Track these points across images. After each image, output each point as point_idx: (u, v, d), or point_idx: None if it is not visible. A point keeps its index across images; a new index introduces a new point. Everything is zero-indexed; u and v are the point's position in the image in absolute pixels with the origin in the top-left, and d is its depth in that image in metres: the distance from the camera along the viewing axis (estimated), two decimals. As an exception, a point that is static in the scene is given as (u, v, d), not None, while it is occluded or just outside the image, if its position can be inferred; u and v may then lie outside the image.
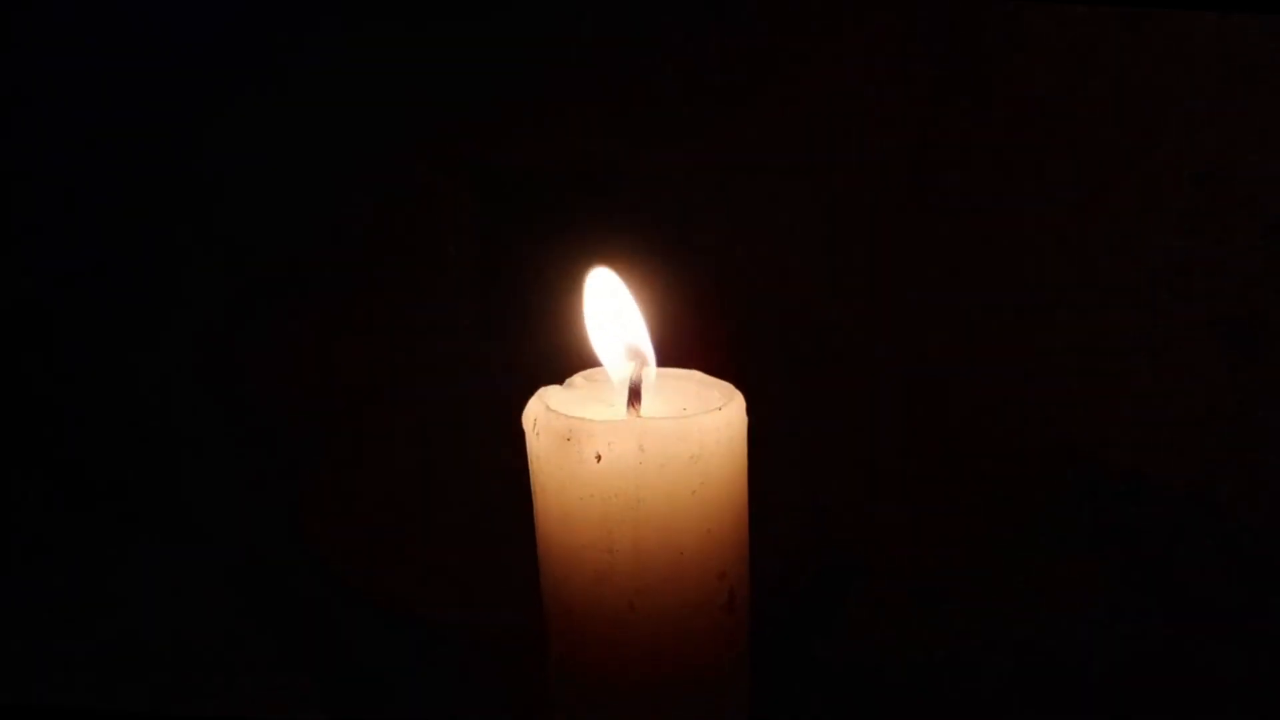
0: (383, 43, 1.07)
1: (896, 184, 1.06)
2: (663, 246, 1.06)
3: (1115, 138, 1.05)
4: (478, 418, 1.09)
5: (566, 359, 0.90)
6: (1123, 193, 1.06)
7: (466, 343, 1.10)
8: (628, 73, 1.07)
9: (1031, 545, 1.10)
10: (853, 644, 1.11)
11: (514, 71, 1.07)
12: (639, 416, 0.82)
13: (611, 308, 0.85)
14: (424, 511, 1.12)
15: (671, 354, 0.87)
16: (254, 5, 1.06)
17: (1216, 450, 1.08)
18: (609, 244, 0.96)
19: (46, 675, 1.14)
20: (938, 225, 1.07)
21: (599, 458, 0.78)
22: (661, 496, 0.78)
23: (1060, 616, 1.09)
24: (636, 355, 0.84)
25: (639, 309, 0.86)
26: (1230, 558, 1.09)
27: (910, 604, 1.11)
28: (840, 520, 1.11)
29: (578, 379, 0.85)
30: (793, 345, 1.09)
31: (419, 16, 1.06)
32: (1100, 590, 1.09)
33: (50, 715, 1.13)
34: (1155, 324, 1.07)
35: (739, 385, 0.83)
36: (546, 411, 0.80)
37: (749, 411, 0.82)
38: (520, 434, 0.82)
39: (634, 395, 0.82)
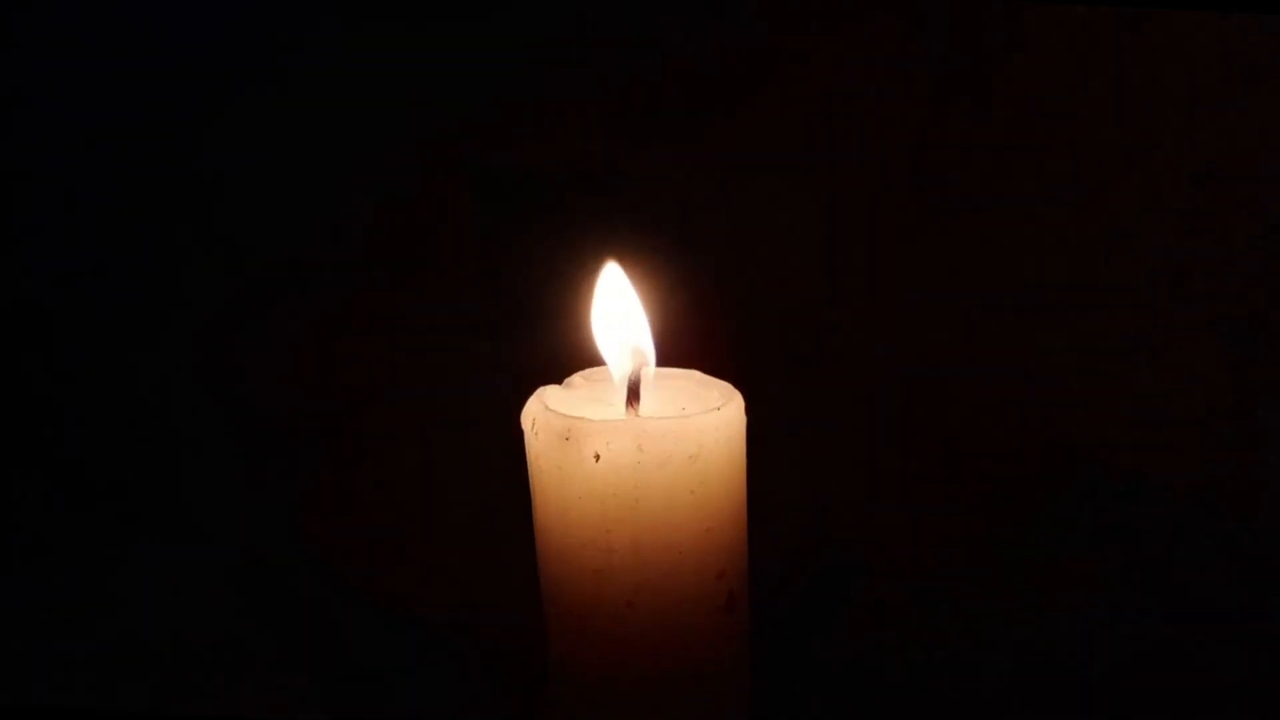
0: (383, 43, 1.07)
1: (896, 184, 1.06)
2: (663, 246, 1.06)
3: (1115, 138, 1.05)
4: (478, 418, 1.09)
5: (567, 359, 0.90)
6: (1123, 193, 1.06)
7: (466, 343, 1.10)
8: (628, 73, 1.07)
9: (1031, 545, 1.10)
10: (853, 644, 1.11)
11: (514, 71, 1.07)
12: (638, 416, 0.82)
13: (619, 307, 0.85)
14: (424, 511, 1.12)
15: (671, 354, 0.87)
16: (254, 5, 1.06)
17: (1216, 450, 1.08)
18: (609, 244, 0.96)
19: (46, 675, 1.14)
20: (938, 225, 1.07)
21: (597, 457, 0.77)
22: (660, 496, 0.78)
23: (1060, 616, 1.09)
24: (637, 354, 0.84)
25: (644, 308, 0.86)
26: (1230, 558, 1.09)
27: (910, 604, 1.11)
28: (840, 520, 1.11)
29: (577, 378, 0.85)
30: (793, 345, 1.09)
31: (419, 16, 1.06)
32: (1100, 590, 1.09)
33: (50, 715, 1.13)
34: (1155, 324, 1.07)
35: (739, 385, 0.83)
36: (545, 411, 0.80)
37: (748, 411, 0.82)
38: (519, 433, 0.82)
39: (633, 395, 0.82)
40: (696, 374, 0.85)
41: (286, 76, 1.07)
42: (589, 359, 0.87)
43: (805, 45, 1.06)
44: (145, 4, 1.07)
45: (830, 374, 1.09)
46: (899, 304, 1.08)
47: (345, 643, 1.13)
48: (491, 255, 1.09)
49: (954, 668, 1.09)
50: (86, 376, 1.12)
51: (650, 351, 0.85)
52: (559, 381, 0.85)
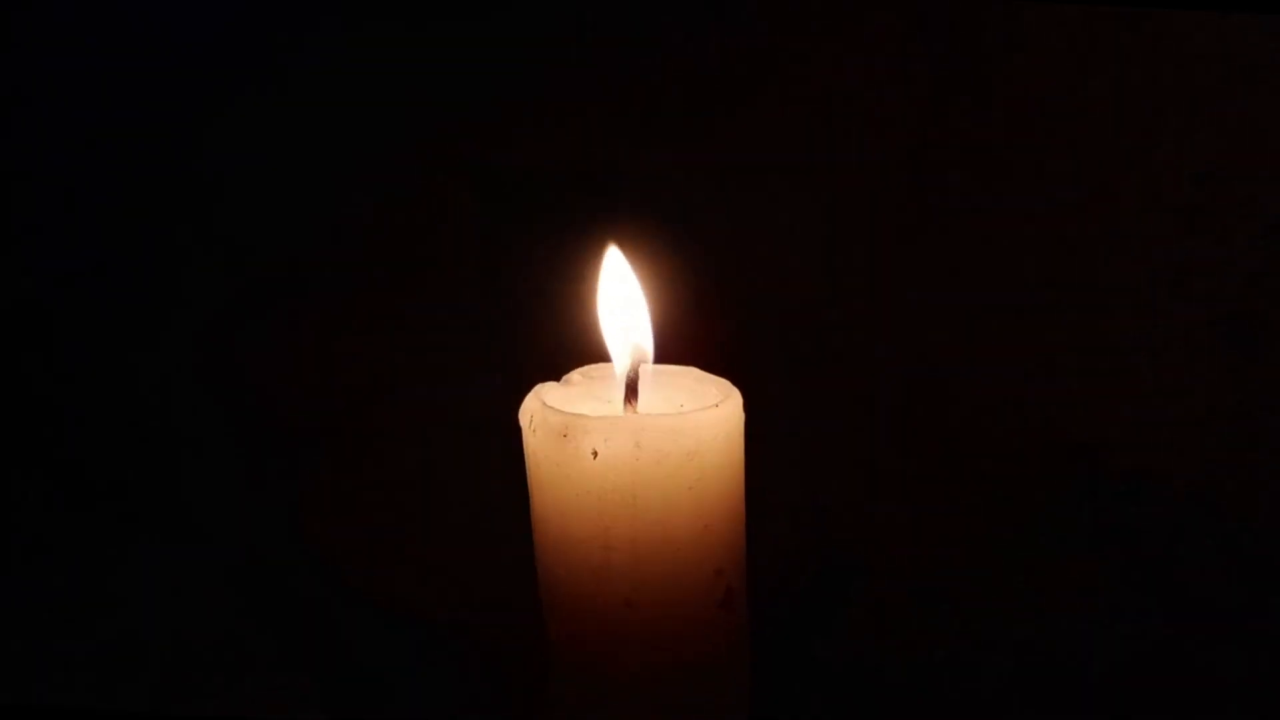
0: (383, 43, 1.07)
1: (896, 184, 1.07)
2: (663, 247, 1.06)
3: (1115, 138, 1.05)
4: (478, 418, 1.09)
5: (566, 358, 0.90)
6: (1123, 193, 1.06)
7: (466, 343, 1.10)
8: (628, 73, 1.07)
9: (1031, 545, 1.09)
10: (853, 644, 1.11)
11: (514, 71, 1.07)
12: (635, 413, 0.82)
13: (621, 293, 0.85)
14: (424, 511, 1.12)
15: (671, 355, 0.87)
16: (254, 5, 1.07)
17: (1216, 450, 1.08)
18: (609, 244, 0.96)
19: (46, 675, 1.14)
20: (938, 225, 1.07)
21: (595, 454, 0.77)
22: (658, 493, 0.78)
23: (1060, 616, 1.09)
24: (635, 351, 0.84)
25: (644, 299, 0.86)
26: (1230, 558, 1.09)
27: (910, 604, 1.11)
28: (840, 520, 1.11)
29: (575, 375, 0.85)
30: (793, 345, 1.09)
31: (419, 16, 1.07)
32: (1100, 590, 1.09)
33: (50, 715, 1.13)
34: (1155, 324, 1.07)
35: (739, 385, 0.83)
36: (543, 408, 0.80)
37: (746, 408, 0.82)
38: (518, 432, 0.82)
39: (631, 391, 0.82)
40: (695, 371, 0.85)
41: (286, 76, 1.07)
42: (588, 357, 0.87)
43: (805, 45, 1.06)
44: (145, 4, 1.07)
45: (830, 374, 1.09)
46: (899, 304, 1.08)
47: (345, 643, 1.13)
48: (491, 255, 1.09)
49: (954, 668, 1.09)
50: (86, 376, 1.12)
51: (649, 348, 0.85)
52: (558, 380, 0.85)
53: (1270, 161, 1.05)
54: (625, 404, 0.82)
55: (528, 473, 0.82)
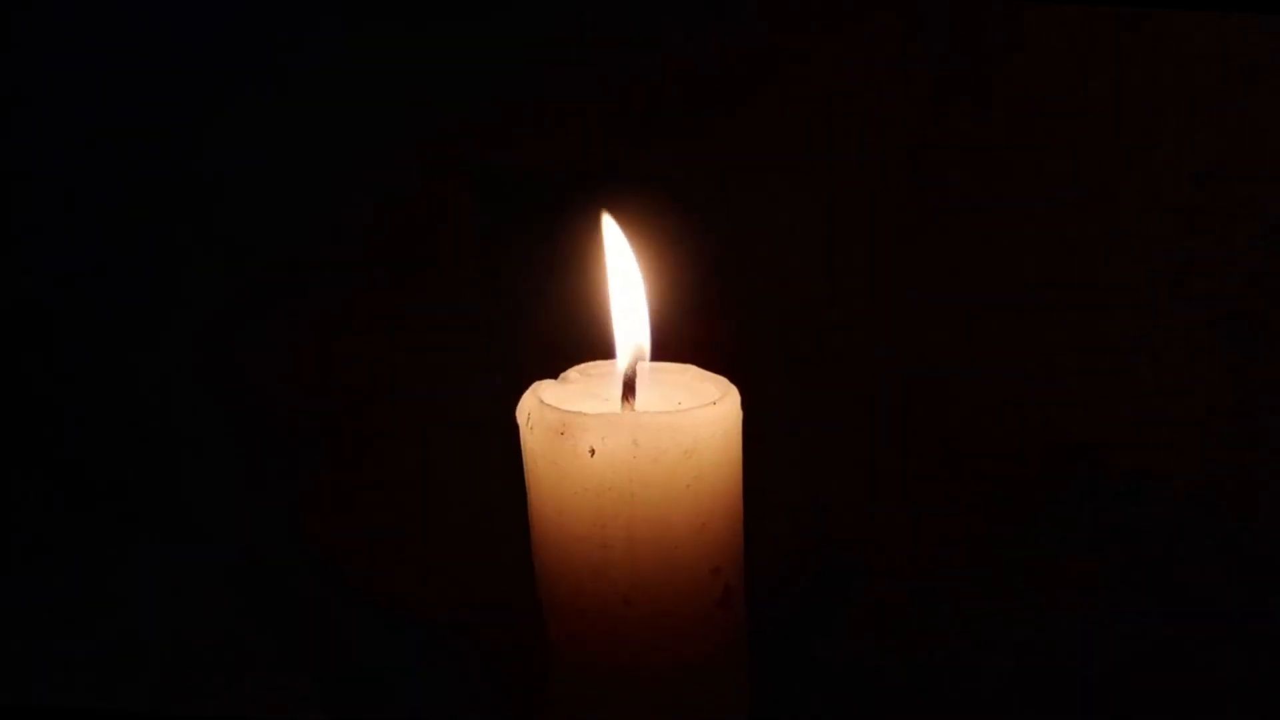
0: (383, 43, 1.07)
1: (896, 184, 1.06)
2: (663, 247, 1.05)
3: (1115, 138, 1.05)
4: (478, 418, 1.09)
5: (566, 358, 0.90)
6: (1123, 193, 1.06)
7: (466, 343, 1.10)
8: (628, 73, 1.07)
9: (1031, 545, 1.09)
10: (853, 644, 1.11)
11: (514, 71, 1.07)
12: (633, 410, 0.82)
13: (621, 270, 0.85)
14: (424, 511, 1.12)
15: (670, 352, 0.87)
16: (254, 5, 1.07)
17: (1216, 450, 1.08)
18: (602, 250, 0.96)
19: (46, 675, 1.14)
20: (938, 225, 1.07)
21: (592, 452, 0.77)
22: (655, 491, 0.77)
23: (1060, 616, 1.09)
24: (634, 349, 0.84)
25: (642, 280, 0.86)
26: (1230, 558, 1.09)
27: (910, 604, 1.11)
28: (840, 520, 1.11)
29: (572, 373, 0.85)
30: (793, 345, 1.09)
31: (419, 16, 1.07)
32: (1100, 590, 1.09)
33: (50, 715, 1.13)
34: (1155, 324, 1.07)
35: (738, 384, 0.83)
36: (540, 406, 0.80)
37: (745, 407, 0.82)
38: (517, 431, 0.82)
39: (628, 389, 0.82)
40: (693, 368, 0.85)
41: (286, 76, 1.07)
42: (587, 355, 0.87)
43: (805, 45, 1.06)
44: (145, 4, 1.07)
45: (830, 374, 1.09)
46: (899, 304, 1.08)
47: (345, 643, 1.13)
48: (491, 255, 1.09)
49: (954, 668, 1.09)
50: (86, 376, 1.12)
51: (646, 345, 0.84)
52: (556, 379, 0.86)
53: (1270, 161, 1.05)
54: (623, 402, 0.82)
55: (525, 471, 0.82)
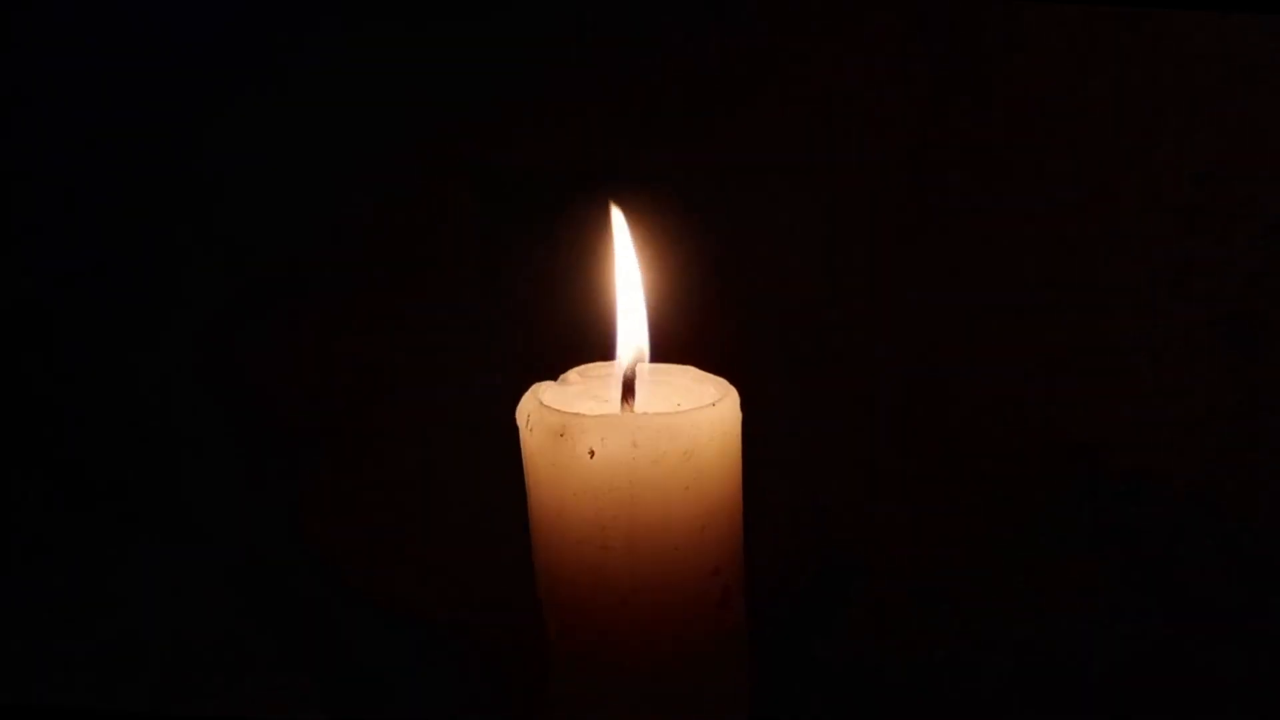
0: (383, 43, 1.07)
1: (896, 184, 1.06)
2: (662, 246, 1.05)
3: (1115, 138, 1.05)
4: (478, 418, 1.09)
5: (566, 358, 0.90)
6: (1123, 193, 1.06)
7: (466, 342, 1.10)
8: (628, 73, 1.07)
9: (1031, 545, 1.09)
10: (853, 644, 1.10)
11: (514, 71, 1.07)
12: (632, 412, 0.82)
13: (625, 268, 0.85)
14: (424, 511, 1.12)
15: (670, 353, 0.87)
16: (254, 5, 1.07)
17: (1216, 450, 1.08)
18: (608, 244, 0.96)
19: (46, 675, 1.14)
20: (938, 225, 1.07)
21: (592, 453, 0.77)
22: (655, 492, 0.77)
23: (1060, 616, 1.09)
24: (634, 350, 0.84)
25: (641, 280, 0.86)
26: (1230, 558, 1.09)
27: (910, 604, 1.11)
28: (840, 520, 1.10)
29: (572, 374, 0.85)
30: (793, 345, 1.09)
31: (419, 16, 1.06)
32: (1100, 590, 1.09)
33: (50, 715, 1.13)
34: (1155, 324, 1.07)
35: (738, 385, 0.83)
36: (540, 407, 0.80)
37: (744, 408, 0.82)
38: (517, 432, 0.82)
39: (628, 390, 0.82)
40: (692, 370, 0.85)
41: (286, 76, 1.07)
42: (587, 356, 0.87)
43: (805, 45, 1.06)
44: (145, 4, 1.07)
45: (830, 374, 1.09)
46: (899, 304, 1.08)
47: (345, 643, 1.13)
48: (491, 255, 1.09)
49: (954, 668, 1.09)
50: (86, 376, 1.12)
51: (646, 346, 0.84)
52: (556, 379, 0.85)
53: (1270, 161, 1.05)
54: (622, 403, 0.82)
55: (525, 472, 0.82)
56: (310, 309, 1.10)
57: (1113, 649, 1.09)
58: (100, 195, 1.09)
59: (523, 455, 0.81)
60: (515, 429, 0.82)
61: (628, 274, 0.85)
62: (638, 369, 0.83)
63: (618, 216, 0.86)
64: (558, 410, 0.79)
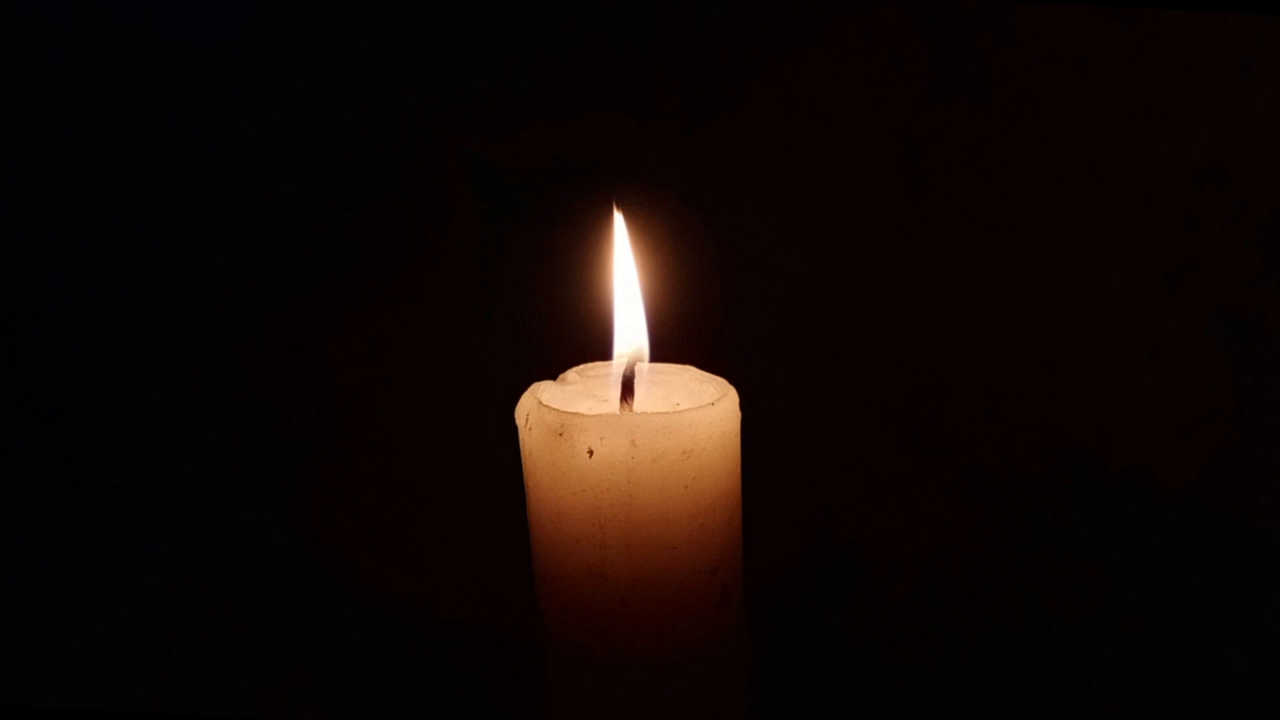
0: (382, 42, 1.07)
1: (896, 184, 1.06)
2: (663, 246, 1.05)
3: (1115, 138, 1.05)
4: (477, 417, 1.09)
5: (566, 358, 0.90)
6: (1123, 193, 1.06)
7: (466, 342, 1.10)
8: (628, 73, 1.07)
9: (1031, 545, 1.09)
10: (853, 644, 1.10)
11: (514, 71, 1.07)
12: (631, 411, 0.82)
13: (624, 269, 0.85)
14: (423, 511, 1.12)
15: (669, 353, 0.87)
16: (254, 5, 1.07)
17: (1217, 450, 1.08)
18: (608, 244, 0.96)
19: (46, 675, 1.13)
20: (938, 225, 1.07)
21: (591, 453, 0.77)
22: (654, 492, 0.78)
23: (1060, 616, 1.09)
24: (633, 350, 0.84)
25: (639, 280, 0.86)
26: (1230, 558, 1.09)
27: (910, 604, 1.10)
28: (840, 520, 1.10)
29: (571, 374, 0.85)
30: (793, 345, 1.09)
31: (418, 16, 1.06)
32: (1101, 590, 1.09)
33: (50, 715, 1.13)
34: (1155, 324, 1.07)
35: (738, 384, 0.83)
36: (539, 406, 0.80)
37: (744, 407, 0.82)
38: (515, 431, 0.82)
39: (627, 390, 0.82)
40: (692, 369, 0.85)
41: (285, 76, 1.07)
42: (586, 356, 0.87)
43: (805, 45, 1.06)
44: (145, 4, 1.07)
45: (830, 374, 1.09)
46: (899, 304, 1.08)
47: (345, 643, 1.13)
48: (491, 255, 1.09)
49: (954, 668, 1.09)
50: (86, 376, 1.12)
51: (645, 346, 0.84)
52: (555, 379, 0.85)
53: (1270, 161, 1.05)
54: (621, 402, 0.82)
55: (524, 472, 0.82)
56: (309, 309, 1.10)
57: (1113, 649, 1.09)
58: (100, 195, 1.09)
59: (522, 454, 0.81)
60: (514, 428, 0.82)
61: (627, 274, 0.85)
62: (637, 368, 0.83)
63: (618, 216, 0.86)
64: (557, 409, 0.79)
